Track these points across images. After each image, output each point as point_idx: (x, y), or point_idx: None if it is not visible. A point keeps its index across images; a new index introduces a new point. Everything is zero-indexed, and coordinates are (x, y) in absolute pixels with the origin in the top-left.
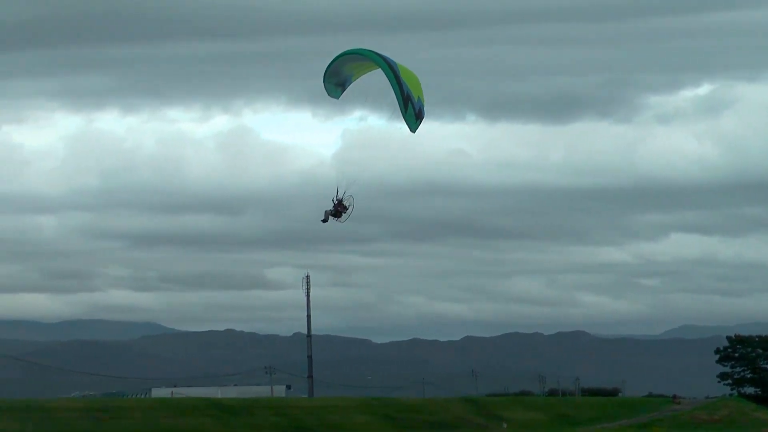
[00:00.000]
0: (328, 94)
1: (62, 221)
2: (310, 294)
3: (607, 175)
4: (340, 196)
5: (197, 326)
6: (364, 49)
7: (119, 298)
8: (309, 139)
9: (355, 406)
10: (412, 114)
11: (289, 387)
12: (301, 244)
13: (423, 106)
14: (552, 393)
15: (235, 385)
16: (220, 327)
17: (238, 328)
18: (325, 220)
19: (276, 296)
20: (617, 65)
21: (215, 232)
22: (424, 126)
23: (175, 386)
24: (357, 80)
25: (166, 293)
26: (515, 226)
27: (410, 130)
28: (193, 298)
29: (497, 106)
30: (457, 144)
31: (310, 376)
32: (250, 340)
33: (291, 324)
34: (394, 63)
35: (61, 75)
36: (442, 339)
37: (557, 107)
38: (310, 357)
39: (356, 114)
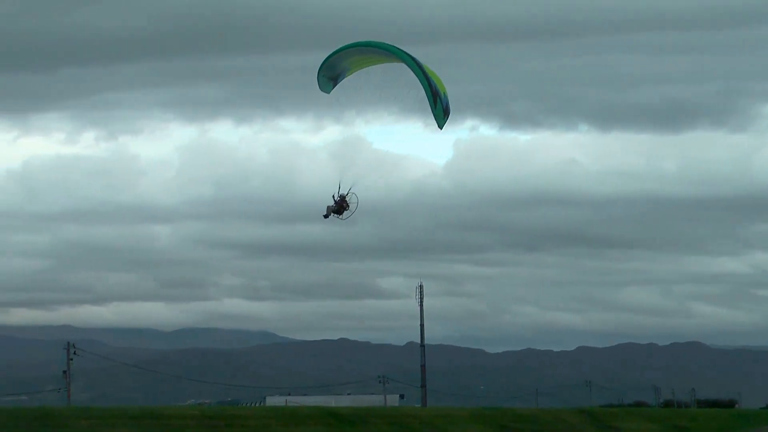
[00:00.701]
0: (320, 88)
1: (177, 231)
2: (424, 303)
3: (722, 185)
4: (342, 192)
5: (311, 335)
6: (382, 43)
7: (233, 307)
8: (421, 149)
9: (468, 415)
10: (441, 110)
11: (402, 396)
12: (414, 254)
13: (449, 102)
14: (667, 404)
15: (349, 394)
16: (334, 336)
17: (351, 337)
18: (326, 216)
19: (389, 305)
20: (732, 74)
21: (328, 241)
22: (536, 135)
23: (289, 395)
24: (351, 76)
25: (279, 302)
26: (629, 235)
27: (438, 126)
28: (307, 307)
29: (610, 116)
30: (570, 153)
31: (424, 386)
32: (364, 349)
33: (404, 333)
34: (415, 58)
35: (176, 86)
36: (555, 349)
37: (671, 116)
38: (423, 366)
39: (467, 124)
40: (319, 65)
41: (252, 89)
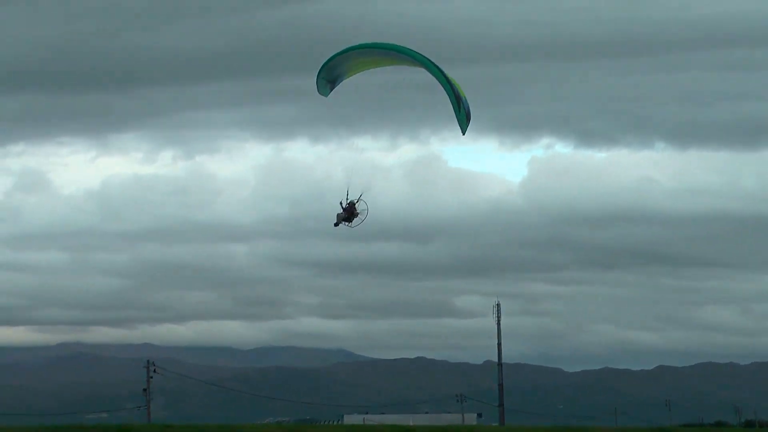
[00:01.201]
0: (318, 91)
1: (254, 249)
2: (501, 322)
3: None
4: (351, 199)
5: (388, 354)
6: (400, 46)
7: (310, 325)
8: (496, 167)
9: None
10: (464, 115)
11: (480, 415)
12: (491, 272)
13: (469, 106)
14: (749, 424)
15: (427, 412)
16: (411, 354)
17: (428, 355)
18: (337, 224)
19: (466, 324)
20: None
21: (404, 260)
22: (612, 153)
23: (366, 413)
24: (348, 79)
25: (356, 321)
26: (707, 253)
27: (462, 131)
28: (384, 325)
29: (687, 133)
30: (646, 171)
31: (501, 405)
32: (441, 367)
33: (481, 352)
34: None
35: (252, 105)
36: (634, 368)
37: (749, 133)
38: (500, 385)
39: (543, 142)
40: (320, 67)
41: (327, 108)
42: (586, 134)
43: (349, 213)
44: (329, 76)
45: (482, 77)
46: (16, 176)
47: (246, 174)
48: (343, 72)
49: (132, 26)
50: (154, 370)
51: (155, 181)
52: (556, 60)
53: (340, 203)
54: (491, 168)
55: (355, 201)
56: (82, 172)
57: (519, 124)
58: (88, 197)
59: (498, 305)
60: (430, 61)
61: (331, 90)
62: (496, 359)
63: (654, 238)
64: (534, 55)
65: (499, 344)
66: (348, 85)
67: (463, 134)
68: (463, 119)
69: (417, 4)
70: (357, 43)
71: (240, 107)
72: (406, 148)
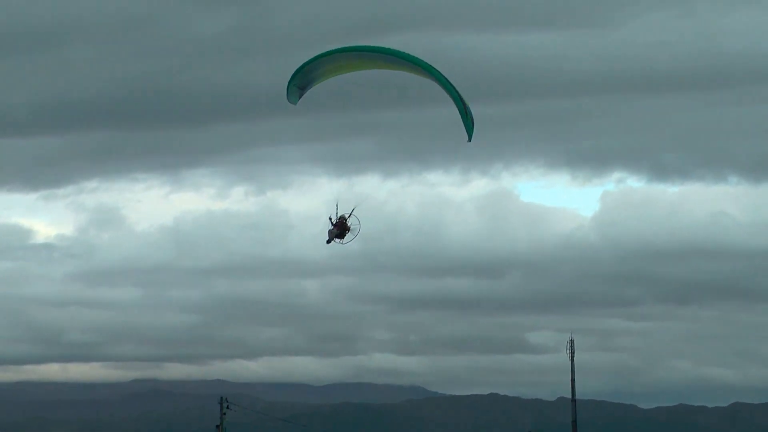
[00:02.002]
0: (287, 98)
1: (326, 285)
2: (575, 358)
3: None
4: (341, 214)
5: (461, 390)
6: (390, 48)
7: (384, 361)
8: (568, 202)
9: None
10: (471, 120)
11: None
12: (563, 308)
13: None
14: None
15: None
16: (484, 390)
17: (501, 391)
18: (329, 241)
19: (539, 360)
20: None
21: (476, 295)
22: (686, 187)
23: None
24: (318, 84)
25: (429, 357)
26: None
27: (468, 138)
28: (456, 361)
29: (761, 167)
30: (720, 206)
31: None
32: (514, 403)
33: (555, 388)
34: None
35: (325, 140)
36: (709, 405)
37: None
38: (574, 422)
39: (615, 176)
40: (295, 71)
41: (399, 143)
42: (659, 168)
43: (340, 228)
44: (302, 82)
45: (554, 111)
46: (91, 212)
47: (318, 209)
48: (317, 76)
49: (204, 62)
50: (227, 406)
51: (228, 217)
52: (628, 93)
53: (330, 219)
54: (563, 202)
55: (346, 216)
56: (156, 208)
57: (591, 158)
58: (162, 233)
59: (572, 341)
60: (432, 67)
61: (300, 97)
62: (569, 395)
63: (730, 272)
64: (606, 88)
65: (573, 380)
66: (314, 92)
67: (470, 140)
68: (469, 125)
69: (490, 37)
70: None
71: (312, 142)
72: (477, 182)
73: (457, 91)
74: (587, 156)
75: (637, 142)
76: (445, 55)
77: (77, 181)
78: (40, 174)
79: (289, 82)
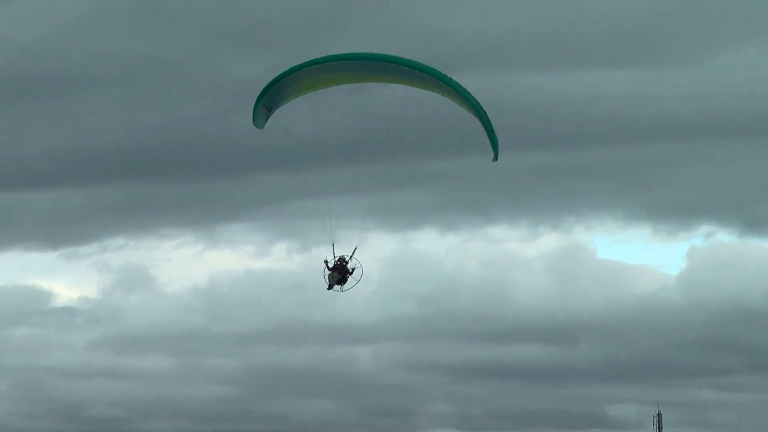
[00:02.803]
0: (254, 122)
1: (379, 352)
2: None
3: None
4: (339, 255)
5: None
6: (391, 56)
7: None
8: (650, 259)
9: None
10: (497, 138)
11: None
12: (647, 378)
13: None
14: None
15: None
16: None
17: None
18: (330, 287)
19: None
20: None
21: (547, 363)
22: None
23: None
24: (285, 105)
25: None
26: None
27: (495, 156)
28: None
29: None
30: None
31: None
32: None
33: None
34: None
35: (375, 191)
36: None
37: None
38: None
39: (702, 230)
40: (265, 87)
41: (459, 194)
42: (753, 221)
43: (340, 272)
44: (271, 101)
45: (633, 157)
46: (116, 272)
47: (369, 268)
48: (291, 92)
49: (241, 108)
50: None
51: (268, 277)
52: (717, 137)
53: (325, 261)
54: (644, 259)
55: (347, 258)
56: (188, 267)
57: (675, 210)
58: (195, 295)
59: (659, 414)
60: (438, 72)
61: (267, 120)
62: None
63: None
64: (693, 131)
65: None
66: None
67: (496, 159)
68: (496, 140)
69: (560, 75)
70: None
71: (361, 194)
72: (547, 237)
73: (477, 102)
74: (671, 207)
75: (727, 192)
76: (509, 96)
77: (101, 239)
78: (60, 231)
79: (257, 102)
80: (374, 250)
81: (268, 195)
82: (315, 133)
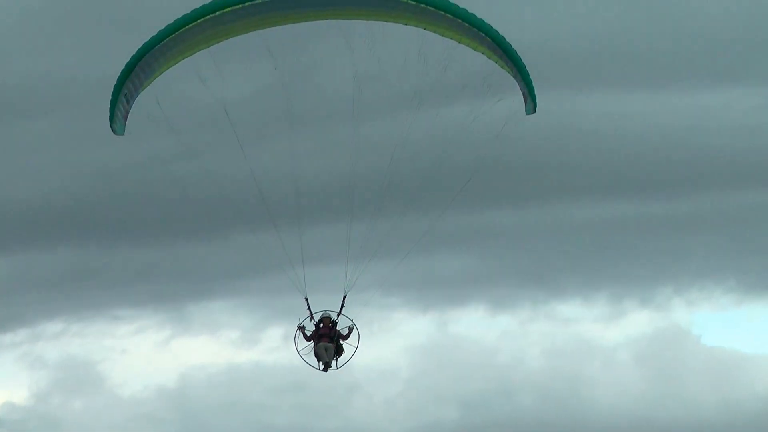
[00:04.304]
0: (111, 125)
1: None
2: None
3: None
4: (320, 313)
5: None
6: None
7: None
8: None
9: None
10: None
11: None
12: None
13: None
14: None
15: None
16: None
17: None
18: (327, 367)
19: None
20: None
21: None
22: None
23: None
24: (143, 91)
25: None
26: None
27: (534, 108)
28: None
29: None
30: None
31: None
32: None
33: None
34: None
35: (401, 256)
36: None
37: None
38: None
39: None
40: (127, 64)
41: (512, 258)
42: None
43: (331, 339)
44: (130, 89)
45: (749, 207)
46: (53, 369)
47: (395, 360)
48: (150, 73)
49: (219, 144)
50: None
51: (259, 374)
52: None
53: (300, 327)
54: (767, 347)
55: (334, 318)
56: (150, 361)
57: None
58: (160, 399)
59: None
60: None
61: (127, 116)
62: None
63: None
64: None
65: None
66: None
67: (534, 111)
68: (533, 87)
69: (658, 97)
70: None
71: (382, 259)
72: (635, 317)
73: (501, 37)
74: None
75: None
76: (583, 123)
77: (33, 323)
78: None
79: (118, 88)
80: (401, 335)
81: (258, 261)
82: (316, 176)
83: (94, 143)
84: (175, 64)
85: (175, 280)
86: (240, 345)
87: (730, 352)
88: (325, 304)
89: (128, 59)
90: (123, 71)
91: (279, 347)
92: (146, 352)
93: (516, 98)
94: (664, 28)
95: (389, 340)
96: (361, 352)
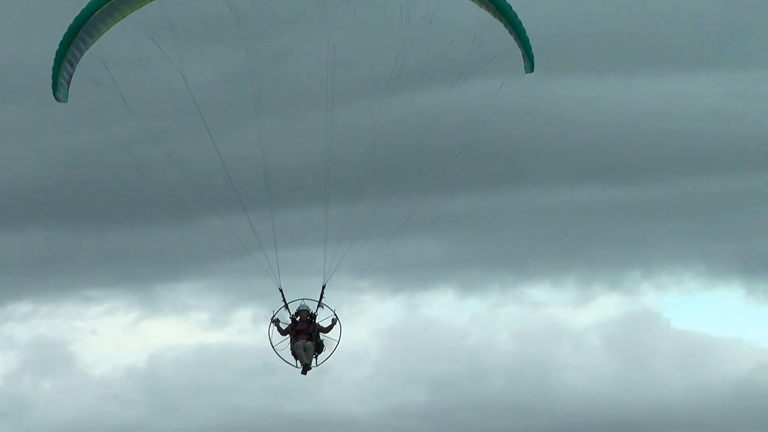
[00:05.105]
0: (54, 92)
1: None
2: None
3: None
4: (297, 305)
5: None
6: None
7: None
8: (743, 330)
9: None
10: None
11: None
12: None
13: None
14: None
15: None
16: None
17: None
18: (306, 368)
19: None
20: None
21: None
22: None
23: None
24: (91, 47)
25: None
26: None
27: (531, 67)
28: None
29: None
30: None
31: None
32: None
33: None
34: None
35: (373, 239)
36: None
37: None
38: None
39: None
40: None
41: (483, 240)
42: None
43: (310, 335)
44: (80, 46)
45: (718, 193)
46: (23, 350)
47: (364, 342)
48: (108, 22)
49: (189, 126)
50: None
51: (228, 355)
52: None
53: (274, 321)
54: (737, 330)
55: (312, 310)
56: (120, 342)
57: None
58: (130, 380)
59: None
60: None
61: (69, 80)
62: None
63: None
64: None
65: None
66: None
67: (532, 71)
68: (530, 46)
69: (616, 82)
70: None
71: (353, 241)
72: (604, 300)
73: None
74: None
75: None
76: (553, 108)
77: (2, 303)
78: None
79: (60, 53)
80: (371, 317)
81: (228, 243)
82: (288, 159)
83: (63, 127)
84: (122, 18)
85: (144, 262)
86: (209, 327)
87: (699, 335)
88: (300, 289)
89: (71, 22)
90: (65, 35)
91: (249, 329)
92: (116, 333)
93: (493, 78)
94: (635, 13)
95: (359, 323)
96: (334, 334)
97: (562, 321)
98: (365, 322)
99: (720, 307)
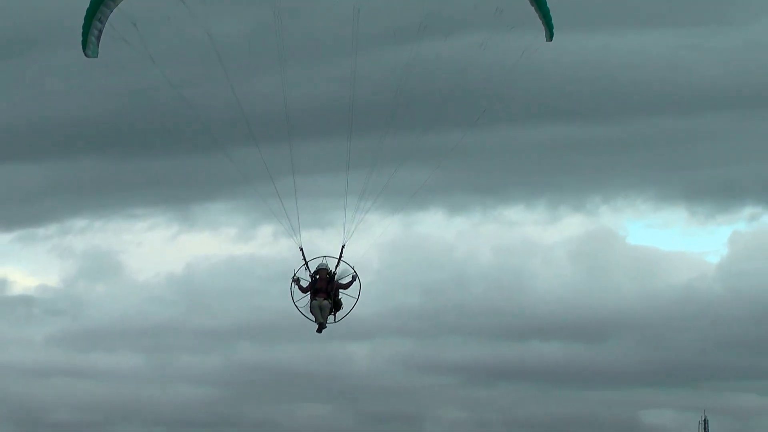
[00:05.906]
0: (84, 50)
1: (379, 350)
2: None
3: None
4: (317, 264)
5: None
6: None
7: None
8: (688, 245)
9: None
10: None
11: None
12: (686, 380)
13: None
14: None
15: None
16: None
17: None
18: (322, 328)
19: None
20: None
21: (571, 363)
22: None
23: None
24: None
25: None
26: None
27: (551, 35)
28: None
29: None
30: None
31: None
32: None
33: None
34: None
35: (373, 167)
36: None
37: None
38: None
39: (746, 212)
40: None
41: (468, 171)
42: None
43: (328, 294)
44: (109, 3)
45: (667, 130)
46: (79, 258)
47: (368, 254)
48: None
49: (218, 72)
50: None
51: (253, 264)
52: (764, 108)
53: (295, 280)
54: (681, 245)
55: (331, 269)
56: (161, 252)
57: (716, 190)
58: (170, 284)
59: (705, 421)
60: None
61: (100, 36)
62: None
63: None
64: (735, 101)
65: None
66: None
67: (551, 39)
68: (550, 17)
69: (581, 37)
70: None
71: (358, 169)
72: (570, 220)
73: None
74: (711, 187)
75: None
76: (522, 61)
77: (62, 219)
78: (15, 211)
79: (90, 13)
80: (372, 233)
81: (253, 170)
82: (302, 100)
83: (115, 72)
84: None
85: (182, 185)
86: (237, 240)
87: (650, 249)
88: (320, 239)
89: None
90: None
91: (270, 243)
92: (158, 245)
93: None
94: None
95: (364, 237)
96: (337, 248)
97: (533, 238)
98: (370, 236)
99: (667, 226)
